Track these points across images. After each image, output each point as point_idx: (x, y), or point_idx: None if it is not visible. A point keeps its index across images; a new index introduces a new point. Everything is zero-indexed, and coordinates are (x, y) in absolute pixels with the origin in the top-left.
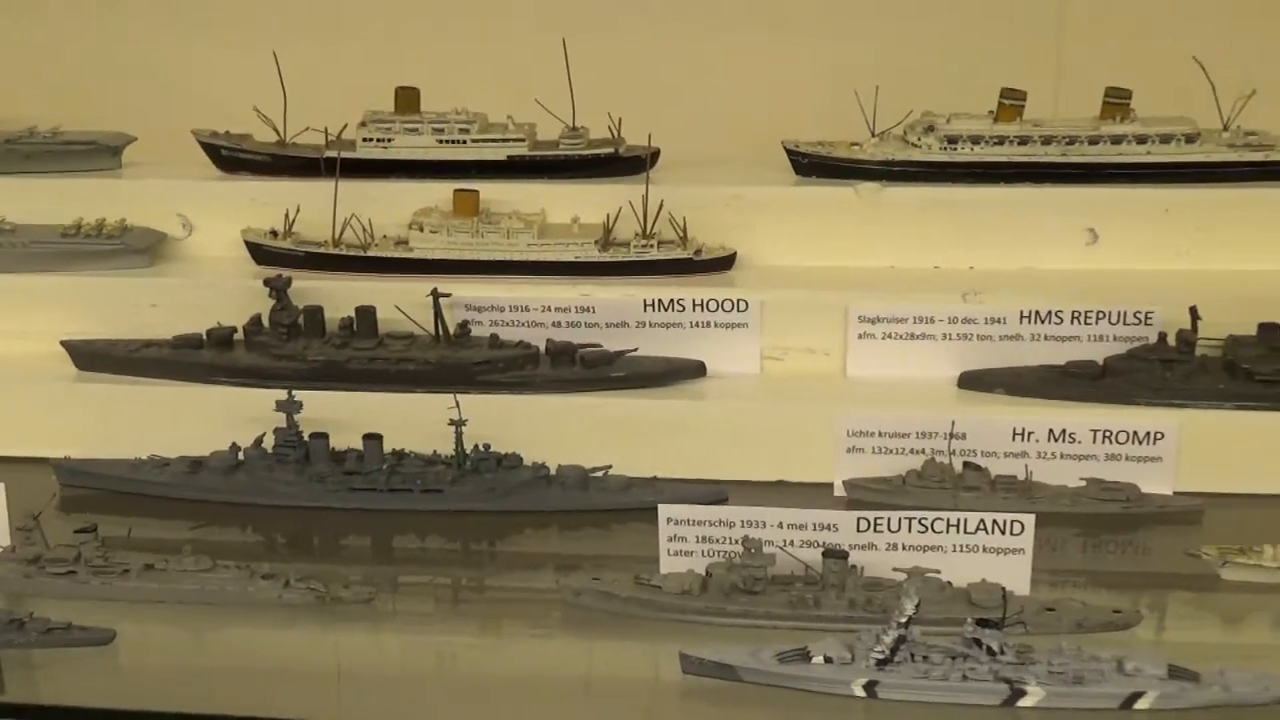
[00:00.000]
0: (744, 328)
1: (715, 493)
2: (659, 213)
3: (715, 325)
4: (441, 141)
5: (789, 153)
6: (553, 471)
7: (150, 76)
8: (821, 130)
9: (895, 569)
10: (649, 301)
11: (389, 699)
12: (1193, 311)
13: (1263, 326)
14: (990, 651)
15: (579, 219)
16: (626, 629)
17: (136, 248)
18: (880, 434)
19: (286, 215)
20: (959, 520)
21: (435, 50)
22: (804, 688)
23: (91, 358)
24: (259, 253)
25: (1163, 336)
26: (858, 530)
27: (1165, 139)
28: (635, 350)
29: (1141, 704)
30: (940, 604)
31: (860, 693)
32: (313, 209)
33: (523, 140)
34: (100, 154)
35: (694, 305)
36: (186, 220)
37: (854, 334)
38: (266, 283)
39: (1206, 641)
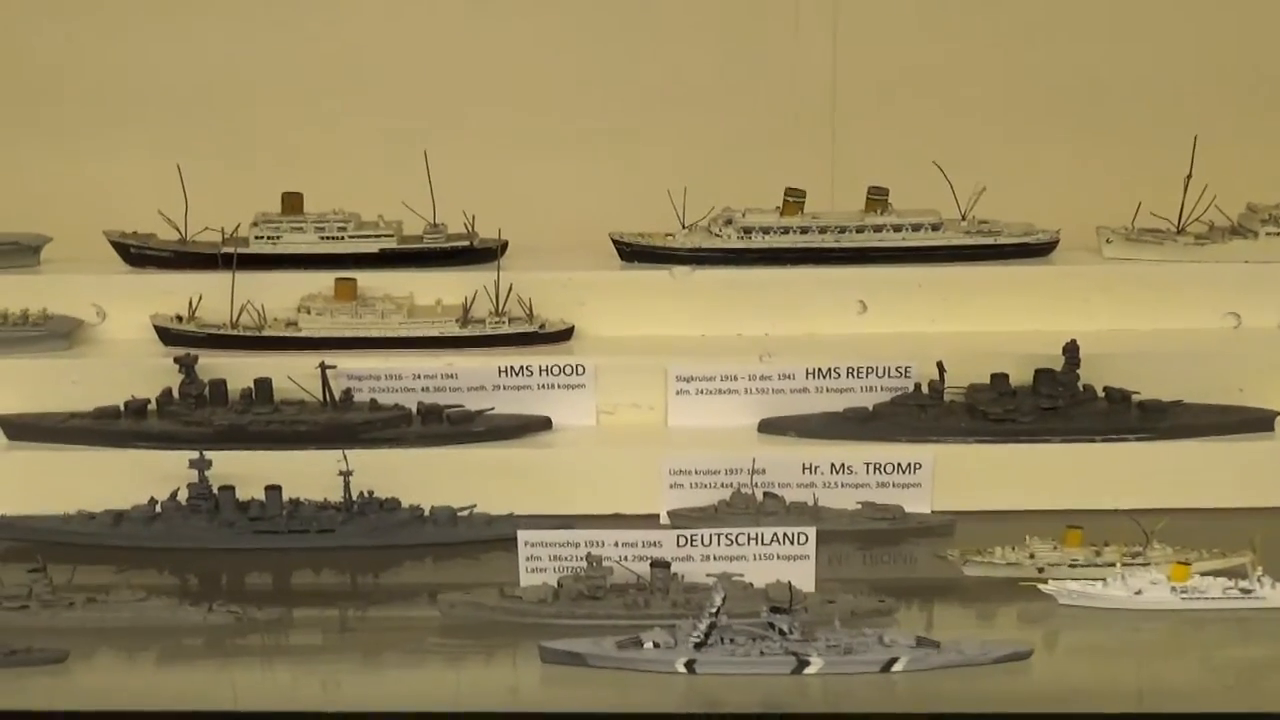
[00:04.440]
0: (582, 388)
1: (563, 524)
2: (509, 294)
3: (558, 387)
4: (323, 238)
5: (615, 243)
6: (426, 512)
7: (65, 186)
8: (641, 223)
9: (708, 575)
10: (502, 368)
11: (305, 672)
12: (940, 366)
13: (994, 376)
14: (781, 632)
15: (442, 301)
16: (494, 631)
17: (58, 333)
18: (696, 472)
19: (190, 302)
20: (757, 534)
21: (316, 161)
22: (638, 668)
23: (21, 429)
24: (166, 335)
25: (918, 386)
26: (678, 546)
27: (916, 227)
28: (492, 409)
29: (897, 666)
30: (743, 600)
31: (682, 669)
32: (212, 297)
33: (392, 235)
34: (21, 253)
35: (540, 370)
36: (100, 309)
37: (673, 391)
38: (176, 360)
39: (950, 620)
